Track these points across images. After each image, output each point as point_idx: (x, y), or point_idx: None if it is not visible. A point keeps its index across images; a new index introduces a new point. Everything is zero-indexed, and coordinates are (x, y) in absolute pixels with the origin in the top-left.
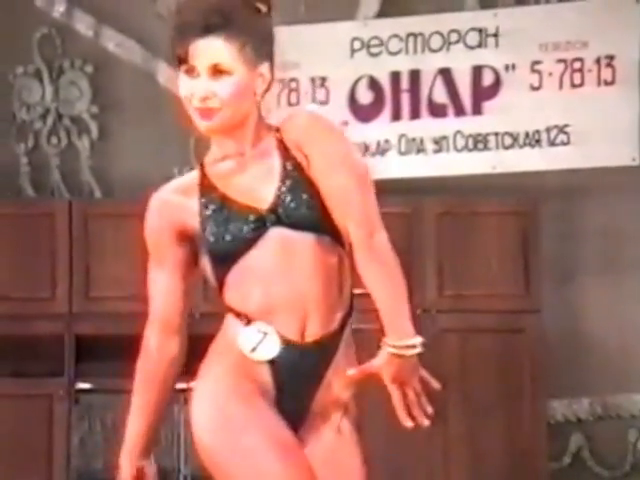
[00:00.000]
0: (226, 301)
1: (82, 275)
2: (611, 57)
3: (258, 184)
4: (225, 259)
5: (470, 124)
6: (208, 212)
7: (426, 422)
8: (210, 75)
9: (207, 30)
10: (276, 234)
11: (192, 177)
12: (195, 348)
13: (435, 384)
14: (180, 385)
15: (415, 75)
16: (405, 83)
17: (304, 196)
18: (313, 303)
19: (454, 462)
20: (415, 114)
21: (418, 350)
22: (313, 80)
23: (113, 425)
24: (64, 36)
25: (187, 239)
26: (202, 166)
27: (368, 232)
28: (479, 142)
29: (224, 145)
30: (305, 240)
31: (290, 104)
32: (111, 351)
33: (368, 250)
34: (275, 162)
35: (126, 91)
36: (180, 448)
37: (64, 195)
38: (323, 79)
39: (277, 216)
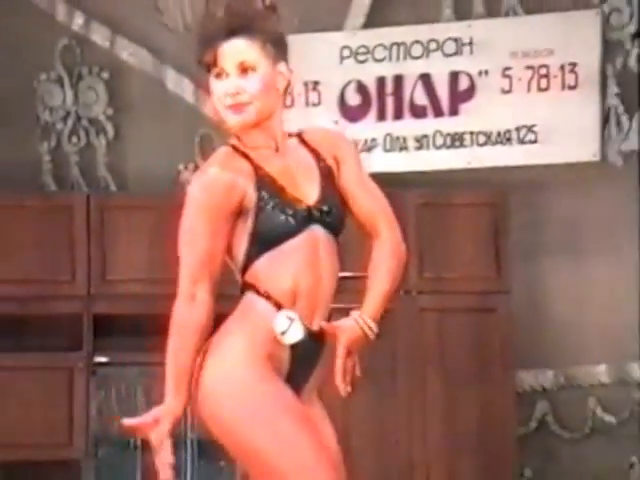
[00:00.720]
0: (248, 279)
1: (99, 260)
2: (574, 64)
3: (302, 178)
4: (267, 243)
5: (448, 124)
6: (264, 196)
7: (348, 389)
8: (238, 73)
9: (231, 33)
10: (313, 230)
11: (231, 155)
12: None
13: (358, 372)
14: None
15: (398, 80)
16: (389, 87)
17: (336, 200)
18: (325, 297)
19: (432, 426)
20: (398, 115)
21: (372, 337)
22: (306, 84)
23: (127, 394)
24: (83, 46)
25: (237, 217)
26: (237, 149)
27: (397, 236)
28: (456, 140)
29: (252, 137)
30: (330, 241)
31: (285, 106)
32: (125, 328)
33: (395, 248)
34: (311, 160)
35: (138, 95)
36: (187, 416)
37: (83, 189)
38: (315, 83)
39: (320, 214)
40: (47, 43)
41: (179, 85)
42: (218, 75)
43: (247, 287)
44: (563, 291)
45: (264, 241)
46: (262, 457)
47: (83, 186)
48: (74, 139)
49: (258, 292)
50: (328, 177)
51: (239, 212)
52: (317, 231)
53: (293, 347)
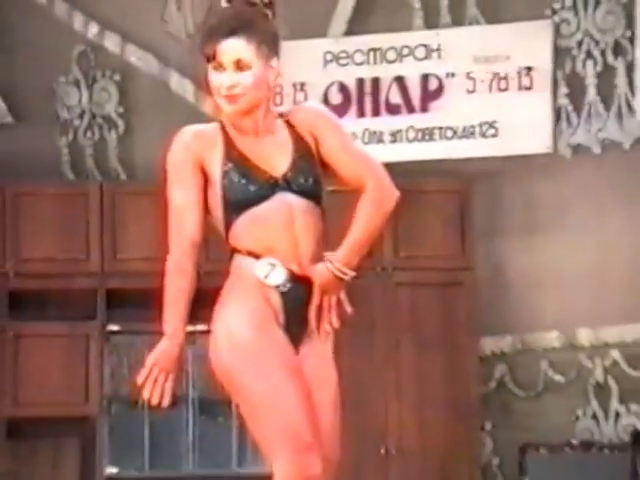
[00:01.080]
0: (232, 242)
1: (111, 241)
2: (529, 68)
3: (273, 154)
4: (238, 208)
5: (419, 120)
6: (229, 166)
7: (327, 328)
8: (234, 69)
9: (231, 33)
10: (283, 196)
11: (214, 129)
12: (200, 299)
13: (348, 308)
14: (188, 328)
15: (375, 81)
16: (367, 88)
17: (310, 171)
18: (306, 254)
19: (405, 385)
20: (376, 112)
21: (346, 278)
22: (294, 85)
23: (136, 359)
24: (96, 52)
25: (203, 177)
26: (222, 124)
27: (383, 185)
28: (426, 135)
29: (241, 123)
30: (305, 205)
31: (275, 104)
32: (134, 300)
33: (376, 195)
34: (287, 139)
35: (145, 95)
36: (188, 377)
37: (96, 178)
38: (302, 84)
39: (288, 183)
40: (65, 50)
41: (181, 86)
42: (216, 68)
43: (233, 251)
44: (520, 267)
45: (235, 207)
46: (253, 404)
47: (97, 175)
48: (89, 134)
49: (241, 252)
50: (304, 152)
51: (205, 173)
52: (288, 197)
53: (283, 294)
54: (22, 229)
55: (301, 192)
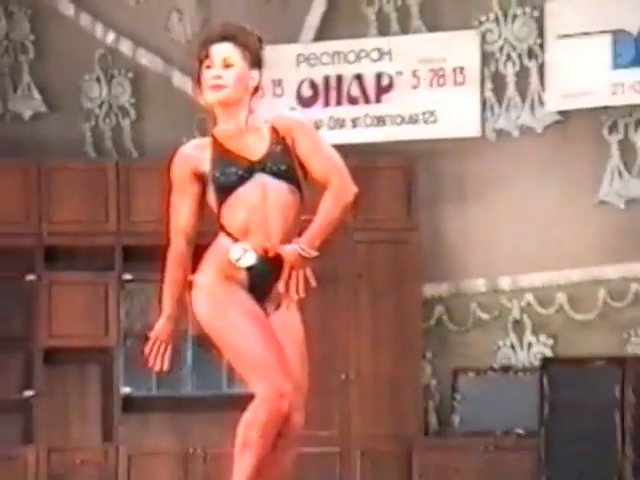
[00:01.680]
0: (221, 221)
1: (125, 207)
2: (462, 68)
3: (254, 146)
4: (224, 191)
5: (374, 109)
6: (216, 159)
7: (295, 296)
8: (222, 66)
9: (222, 39)
10: (261, 178)
11: (205, 140)
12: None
13: (313, 282)
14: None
15: (339, 78)
16: (332, 83)
17: (284, 158)
18: (276, 228)
19: (363, 323)
20: (339, 103)
21: (310, 257)
22: (273, 81)
23: (146, 302)
24: (114, 55)
25: (200, 180)
26: (212, 135)
27: (344, 183)
28: (380, 121)
29: (227, 123)
30: (279, 186)
31: (257, 98)
32: (145, 255)
33: (338, 190)
34: (267, 136)
35: (153, 89)
36: (188, 318)
37: (113, 156)
38: (280, 81)
39: (263, 166)
40: (88, 53)
41: (182, 82)
42: (208, 67)
43: (220, 228)
44: (454, 228)
45: (222, 190)
46: (228, 344)
47: (114, 154)
48: (107, 120)
49: (224, 231)
50: (280, 145)
51: (200, 177)
52: (264, 178)
53: (249, 270)
54: (54, 198)
55: (275, 174)
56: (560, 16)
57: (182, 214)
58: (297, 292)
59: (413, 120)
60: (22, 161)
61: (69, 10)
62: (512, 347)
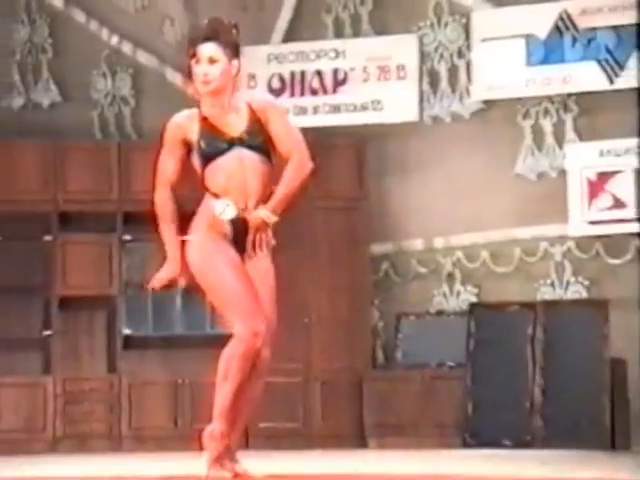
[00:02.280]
0: (205, 184)
1: (125, 180)
2: (404, 65)
3: (234, 123)
4: (208, 159)
5: (331, 99)
6: (202, 131)
7: (259, 254)
8: (208, 62)
9: (207, 39)
10: (239, 150)
11: (194, 112)
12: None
13: (272, 241)
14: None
15: (303, 73)
16: (297, 78)
17: (259, 135)
18: (253, 192)
19: (322, 276)
20: (302, 94)
21: (272, 222)
22: (248, 76)
23: (143, 258)
24: (117, 54)
25: (187, 146)
26: (199, 107)
27: (303, 158)
28: (336, 109)
29: (209, 102)
30: (254, 157)
31: (237, 85)
32: (142, 219)
33: (297, 165)
34: (245, 115)
35: (149, 83)
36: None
37: (116, 138)
38: (253, 75)
39: (242, 141)
40: (96, 52)
41: (174, 77)
42: (197, 62)
43: (204, 190)
44: (398, 197)
45: (205, 158)
46: (214, 289)
47: (117, 136)
48: (112, 108)
49: (209, 192)
50: (256, 123)
51: (187, 143)
52: (242, 151)
53: (233, 223)
54: (67, 172)
55: (252, 147)
56: (483, 23)
57: (169, 168)
58: (260, 250)
59: (363, 108)
60: (41, 142)
61: (81, 17)
62: (444, 295)
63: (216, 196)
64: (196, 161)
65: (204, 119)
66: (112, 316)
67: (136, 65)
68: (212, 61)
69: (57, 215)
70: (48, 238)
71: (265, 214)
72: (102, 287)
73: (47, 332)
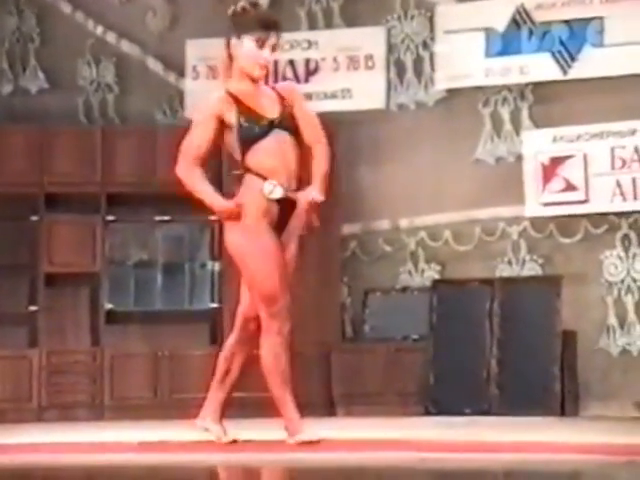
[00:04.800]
0: (247, 165)
1: (109, 163)
2: (372, 55)
3: (268, 106)
4: (249, 141)
5: (303, 88)
6: (243, 115)
7: (309, 231)
8: (270, 51)
9: (274, 27)
10: (278, 133)
11: (223, 95)
12: None
13: (317, 222)
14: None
15: (276, 63)
16: (271, 67)
17: (291, 118)
18: (293, 173)
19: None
20: (276, 82)
21: (320, 200)
22: None
23: (125, 238)
24: (102, 44)
25: (222, 124)
26: (229, 91)
27: (326, 145)
28: (308, 97)
29: (251, 87)
30: (290, 138)
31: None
32: (124, 201)
33: (325, 151)
34: (275, 99)
35: (132, 71)
36: (158, 248)
37: (100, 123)
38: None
39: (280, 123)
40: (82, 42)
41: (155, 66)
42: (259, 44)
43: (246, 171)
44: (366, 180)
45: (246, 142)
46: (250, 275)
47: (101, 122)
48: (97, 95)
49: (252, 173)
50: (286, 106)
51: (222, 122)
52: (281, 133)
53: (279, 203)
54: (54, 155)
55: (288, 130)
56: (446, 16)
57: (201, 140)
58: (312, 229)
59: (334, 96)
60: (29, 127)
61: (67, 9)
62: (409, 273)
63: (260, 177)
64: (233, 142)
65: (238, 100)
66: (95, 292)
67: (120, 54)
68: (273, 49)
69: (43, 196)
70: (35, 218)
71: (316, 194)
72: (86, 265)
73: (33, 307)
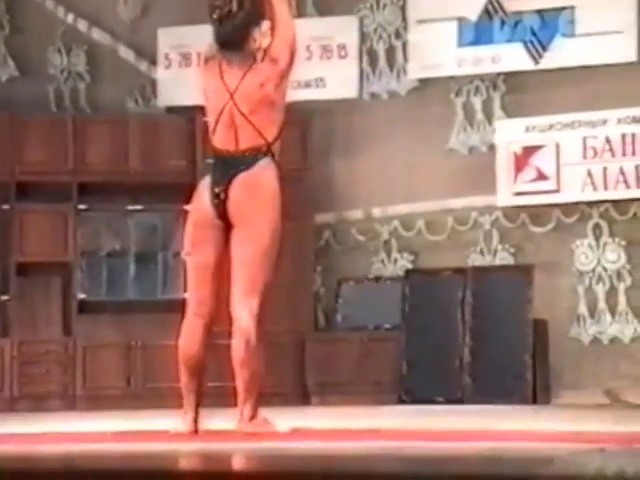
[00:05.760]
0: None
1: (80, 152)
2: (345, 44)
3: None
4: None
5: None
6: None
7: None
8: None
9: None
10: None
11: None
12: None
13: None
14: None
15: None
16: None
17: None
18: None
19: None
20: None
21: None
22: (196, 54)
23: (97, 227)
24: (73, 32)
25: None
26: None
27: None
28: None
29: None
30: None
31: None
32: (96, 190)
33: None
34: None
35: (103, 59)
36: (130, 237)
37: (71, 111)
38: (199, 54)
39: None
40: (53, 30)
41: (126, 54)
42: None
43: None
44: (339, 169)
45: None
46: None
47: (72, 110)
48: (68, 83)
49: (269, 155)
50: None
51: None
52: None
53: None
54: (25, 144)
55: None
56: (419, 6)
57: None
58: None
59: (307, 85)
60: None
61: None
62: (382, 262)
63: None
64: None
65: None
66: (67, 282)
67: (91, 42)
68: None
69: (14, 185)
70: (6, 207)
71: None
72: (58, 254)
73: (5, 297)
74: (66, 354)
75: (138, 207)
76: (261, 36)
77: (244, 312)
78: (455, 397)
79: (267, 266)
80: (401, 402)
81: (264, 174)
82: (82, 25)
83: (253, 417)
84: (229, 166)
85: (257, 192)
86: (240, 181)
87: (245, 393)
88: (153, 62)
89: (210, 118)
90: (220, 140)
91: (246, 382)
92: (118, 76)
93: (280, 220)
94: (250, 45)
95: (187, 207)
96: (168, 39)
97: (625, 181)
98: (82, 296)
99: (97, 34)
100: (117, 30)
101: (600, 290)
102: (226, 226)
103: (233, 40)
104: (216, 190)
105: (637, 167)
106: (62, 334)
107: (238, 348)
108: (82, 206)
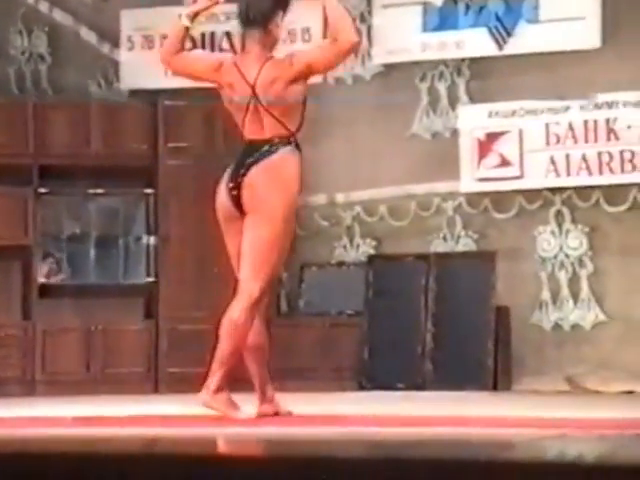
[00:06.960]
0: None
1: (41, 134)
2: (309, 28)
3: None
4: None
5: None
6: None
7: None
8: None
9: None
10: None
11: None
12: None
13: None
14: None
15: (213, 35)
16: (207, 39)
17: None
18: None
19: None
20: (213, 51)
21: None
22: (161, 36)
23: (58, 210)
24: (34, 13)
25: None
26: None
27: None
28: None
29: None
30: None
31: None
32: (56, 173)
33: None
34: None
35: (65, 41)
36: (91, 222)
37: (32, 94)
38: (165, 35)
39: None
40: (13, 11)
41: (88, 35)
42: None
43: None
44: (304, 155)
45: None
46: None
47: (33, 92)
48: (29, 65)
49: (291, 144)
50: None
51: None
52: None
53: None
54: None
55: None
56: None
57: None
58: None
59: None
60: None
61: None
62: (345, 248)
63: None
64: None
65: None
66: (28, 266)
67: (52, 23)
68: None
69: None
70: None
71: None
72: (18, 238)
73: None
74: (25, 338)
75: (99, 191)
76: (279, 28)
77: (242, 294)
78: (416, 383)
79: (275, 251)
80: (362, 388)
81: (283, 161)
82: (43, 6)
83: (218, 391)
84: (249, 154)
85: (273, 178)
86: (259, 168)
87: (218, 364)
88: (116, 44)
89: (237, 114)
90: (249, 131)
91: (222, 354)
92: (80, 58)
93: (294, 207)
94: (272, 30)
95: (148, 191)
96: (131, 21)
97: (587, 168)
98: (42, 280)
99: (59, 15)
100: (79, 11)
101: (562, 277)
102: (243, 215)
103: (257, 17)
104: (235, 177)
105: (599, 154)
106: (22, 318)
107: (223, 323)
108: (43, 189)
